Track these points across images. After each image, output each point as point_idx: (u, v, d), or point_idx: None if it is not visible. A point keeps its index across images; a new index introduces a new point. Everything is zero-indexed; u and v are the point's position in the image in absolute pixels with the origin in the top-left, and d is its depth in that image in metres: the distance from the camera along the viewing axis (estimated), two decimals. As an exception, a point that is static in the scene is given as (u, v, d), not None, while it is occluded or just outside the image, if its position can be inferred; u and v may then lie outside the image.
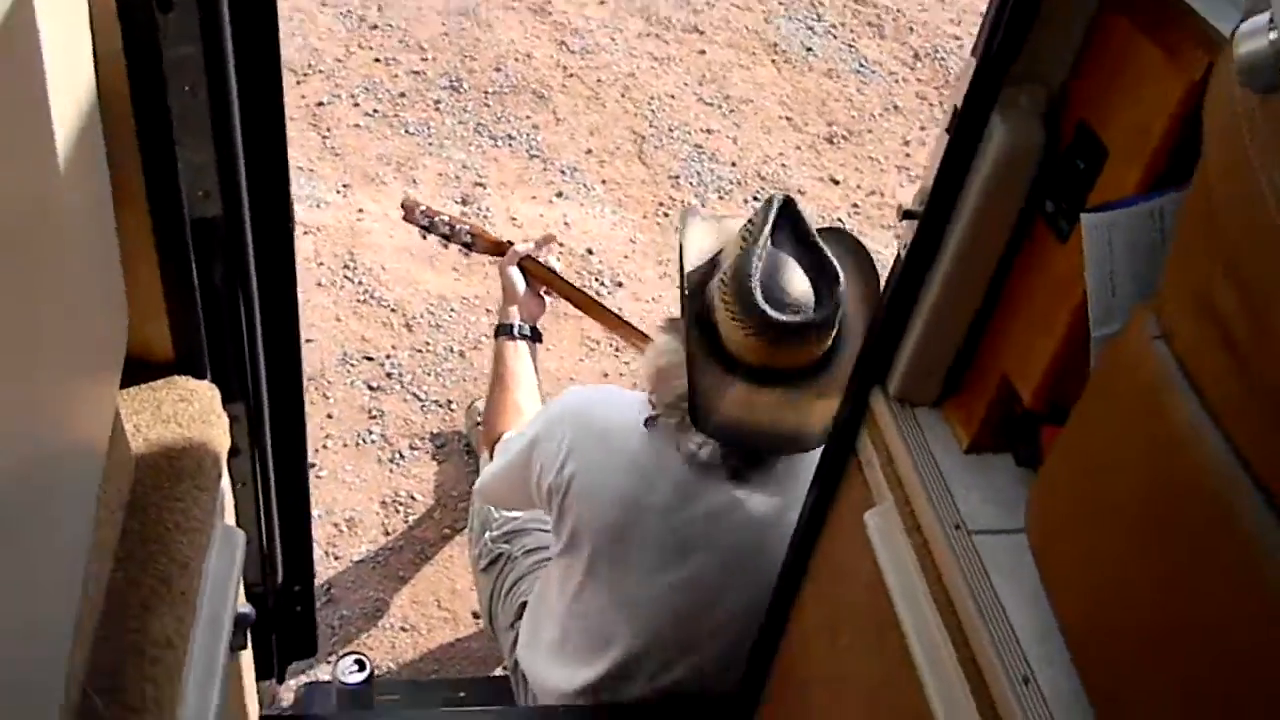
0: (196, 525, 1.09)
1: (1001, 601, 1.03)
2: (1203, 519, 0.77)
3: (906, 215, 1.15)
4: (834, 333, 1.41)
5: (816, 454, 1.43)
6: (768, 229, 1.36)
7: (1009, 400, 1.17)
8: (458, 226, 2.06)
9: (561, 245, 3.09)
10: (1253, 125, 0.70)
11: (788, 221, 1.39)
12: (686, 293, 1.43)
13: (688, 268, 1.46)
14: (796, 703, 1.47)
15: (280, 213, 1.24)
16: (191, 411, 1.16)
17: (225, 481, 1.23)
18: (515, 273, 1.95)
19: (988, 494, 1.15)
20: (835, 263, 1.39)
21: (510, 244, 2.00)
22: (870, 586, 1.23)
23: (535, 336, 1.93)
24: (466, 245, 2.07)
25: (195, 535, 1.07)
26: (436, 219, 2.07)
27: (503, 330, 1.91)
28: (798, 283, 1.38)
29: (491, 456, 1.73)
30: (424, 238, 2.15)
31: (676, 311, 1.51)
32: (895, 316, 1.21)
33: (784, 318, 1.35)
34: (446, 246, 2.11)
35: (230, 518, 1.28)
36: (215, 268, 1.18)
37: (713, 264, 1.46)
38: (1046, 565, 0.98)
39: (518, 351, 1.87)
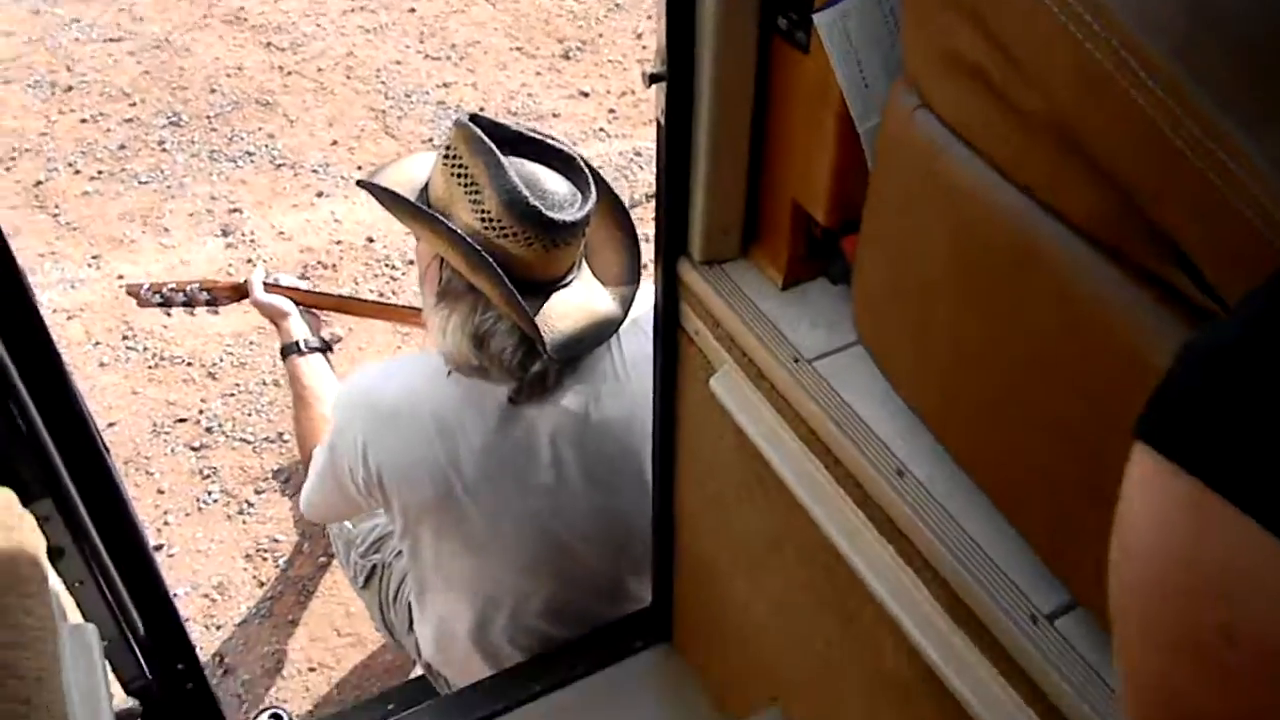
0: (38, 635, 0.99)
1: (858, 413, 1.05)
2: (1008, 258, 0.79)
3: (653, 79, 1.13)
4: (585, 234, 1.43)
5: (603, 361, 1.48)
6: (491, 145, 1.31)
7: (806, 226, 1.18)
8: (189, 289, 1.97)
9: (340, 242, 2.98)
10: None
11: (488, 132, 1.35)
12: (455, 232, 1.36)
13: (419, 206, 1.39)
14: (708, 588, 1.48)
15: (17, 300, 1.12)
16: (-12, 523, 1.06)
17: (55, 583, 1.13)
18: (270, 297, 1.86)
19: (815, 320, 1.17)
20: (566, 147, 1.36)
21: (245, 281, 1.92)
22: (738, 447, 1.24)
23: (325, 347, 1.85)
24: (209, 303, 1.98)
25: (39, 645, 0.98)
26: (165, 290, 1.98)
27: (288, 350, 1.82)
28: (555, 180, 1.37)
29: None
30: (168, 314, 2.04)
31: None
32: (676, 184, 1.19)
33: (568, 216, 1.34)
34: (193, 313, 2.01)
35: (75, 618, 1.18)
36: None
37: (428, 207, 1.39)
38: (885, 360, 0.99)
39: (310, 366, 1.79)
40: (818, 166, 1.08)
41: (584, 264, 1.46)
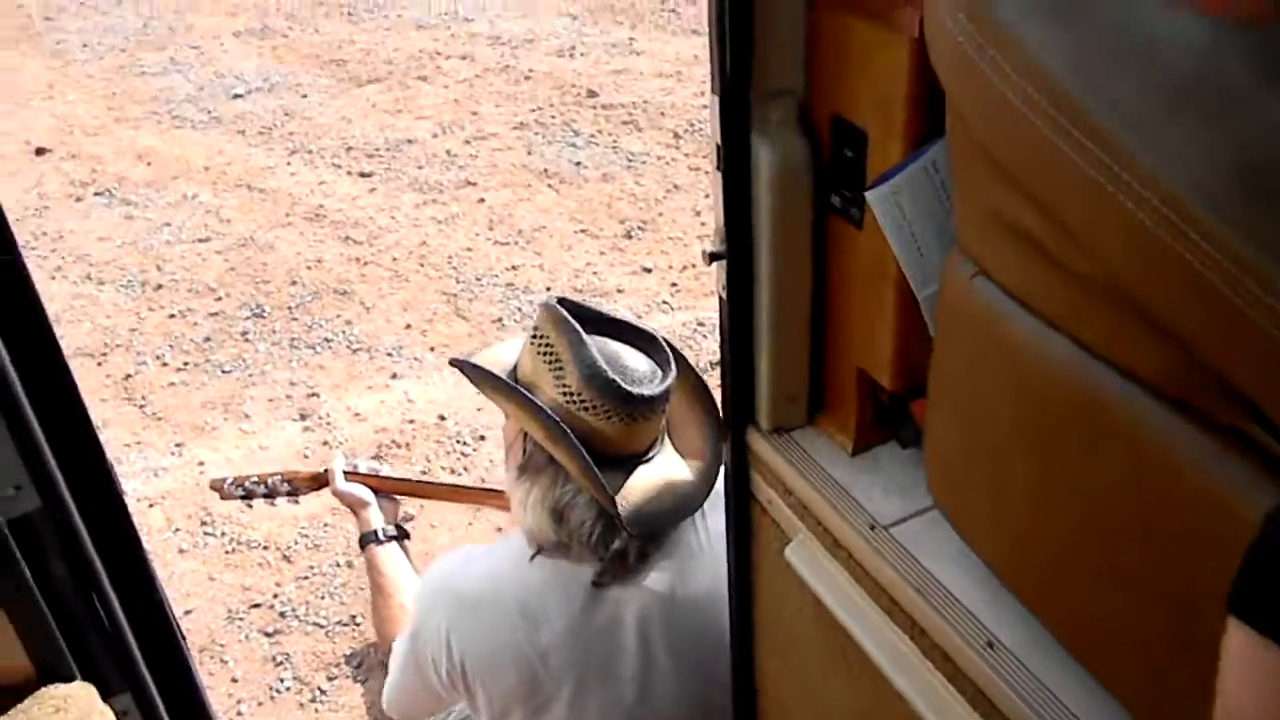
0: (114, 834, 0.98)
1: (938, 579, 1.02)
2: (1073, 414, 0.78)
3: (713, 258, 1.17)
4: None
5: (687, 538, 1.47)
6: (574, 324, 1.36)
7: (873, 392, 1.18)
8: (271, 481, 2.03)
9: (412, 421, 3.04)
10: (975, 44, 0.74)
11: (573, 313, 1.40)
12: (536, 405, 1.40)
13: (503, 379, 1.44)
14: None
15: (105, 495, 1.16)
16: (70, 718, 1.06)
17: (133, 778, 1.12)
18: (350, 485, 1.90)
19: (888, 486, 1.15)
20: (644, 325, 1.41)
21: (326, 470, 1.97)
22: (817, 619, 1.21)
23: (401, 535, 1.88)
24: (290, 493, 2.04)
25: (115, 845, 0.97)
26: (247, 484, 2.04)
27: (366, 539, 1.85)
28: (636, 358, 1.40)
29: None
30: (249, 506, 2.11)
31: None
32: (740, 355, 1.21)
33: (648, 391, 1.36)
34: (273, 504, 2.08)
35: (152, 814, 1.17)
36: (52, 564, 1.10)
37: (515, 383, 1.44)
38: (962, 523, 0.98)
39: (388, 555, 1.81)
40: (880, 335, 1.10)
41: (666, 440, 1.47)
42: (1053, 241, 0.77)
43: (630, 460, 1.40)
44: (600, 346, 1.36)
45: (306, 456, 2.93)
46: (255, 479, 2.04)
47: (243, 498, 2.05)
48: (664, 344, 1.42)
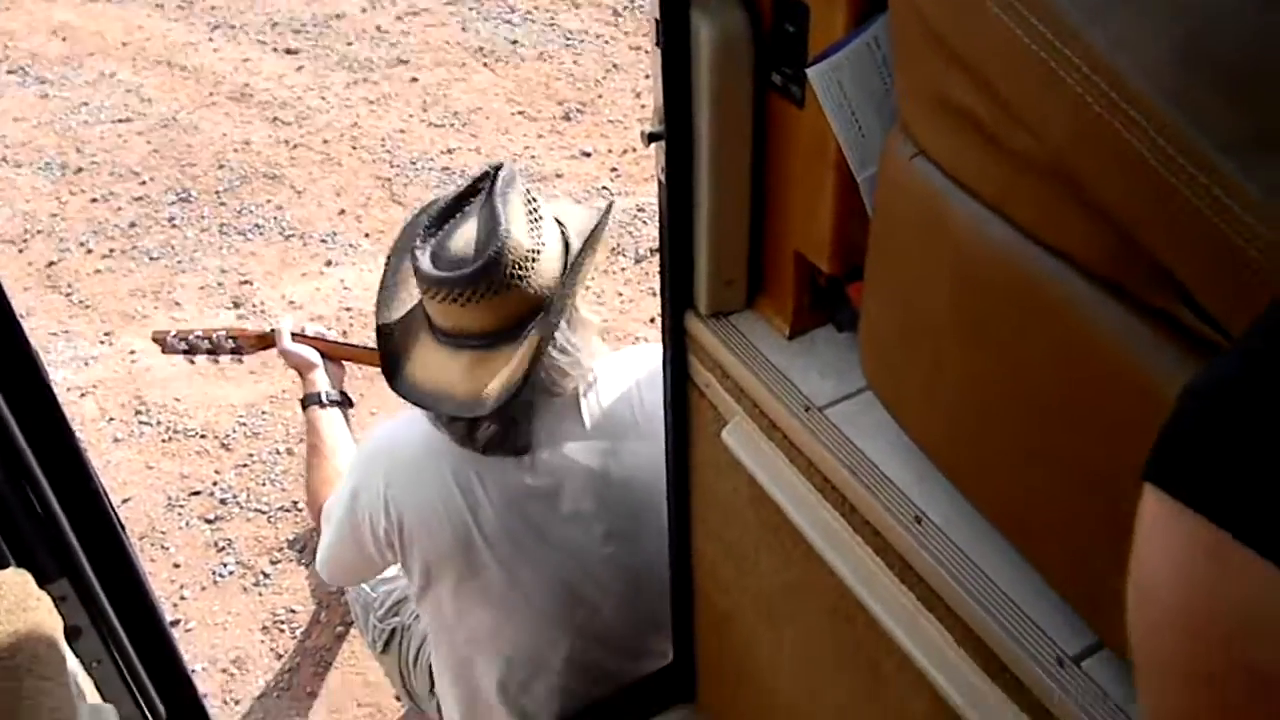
0: (58, 717, 0.99)
1: (872, 459, 1.04)
2: (1009, 297, 0.79)
3: (652, 139, 1.15)
4: (520, 288, 1.37)
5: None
6: (442, 201, 1.42)
7: (810, 276, 1.18)
8: (215, 336, 1.98)
9: (349, 309, 3.00)
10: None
11: (491, 187, 1.40)
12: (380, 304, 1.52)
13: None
14: (730, 643, 1.46)
15: (31, 382, 1.13)
16: (5, 605, 1.06)
17: (73, 663, 1.13)
18: (298, 345, 1.88)
19: (824, 369, 1.17)
20: (502, 217, 1.35)
21: (273, 330, 1.93)
22: (753, 499, 1.23)
23: (345, 401, 1.86)
24: (235, 351, 1.99)
25: (57, 728, 0.97)
26: (191, 338, 1.98)
27: (309, 400, 1.84)
28: (460, 240, 1.39)
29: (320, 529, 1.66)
30: (191, 362, 2.05)
31: None
32: (679, 239, 1.20)
33: (440, 273, 1.36)
34: (217, 361, 2.02)
35: (94, 698, 1.17)
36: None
37: None
38: (896, 405, 0.99)
39: (329, 418, 1.80)
40: (819, 217, 1.09)
41: (533, 332, 1.39)
42: (994, 120, 0.77)
43: (473, 340, 1.40)
44: (459, 224, 1.40)
45: (238, 360, 2.88)
46: (199, 334, 1.98)
47: (185, 352, 2.00)
48: (503, 233, 1.34)
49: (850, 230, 1.08)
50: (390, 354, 1.49)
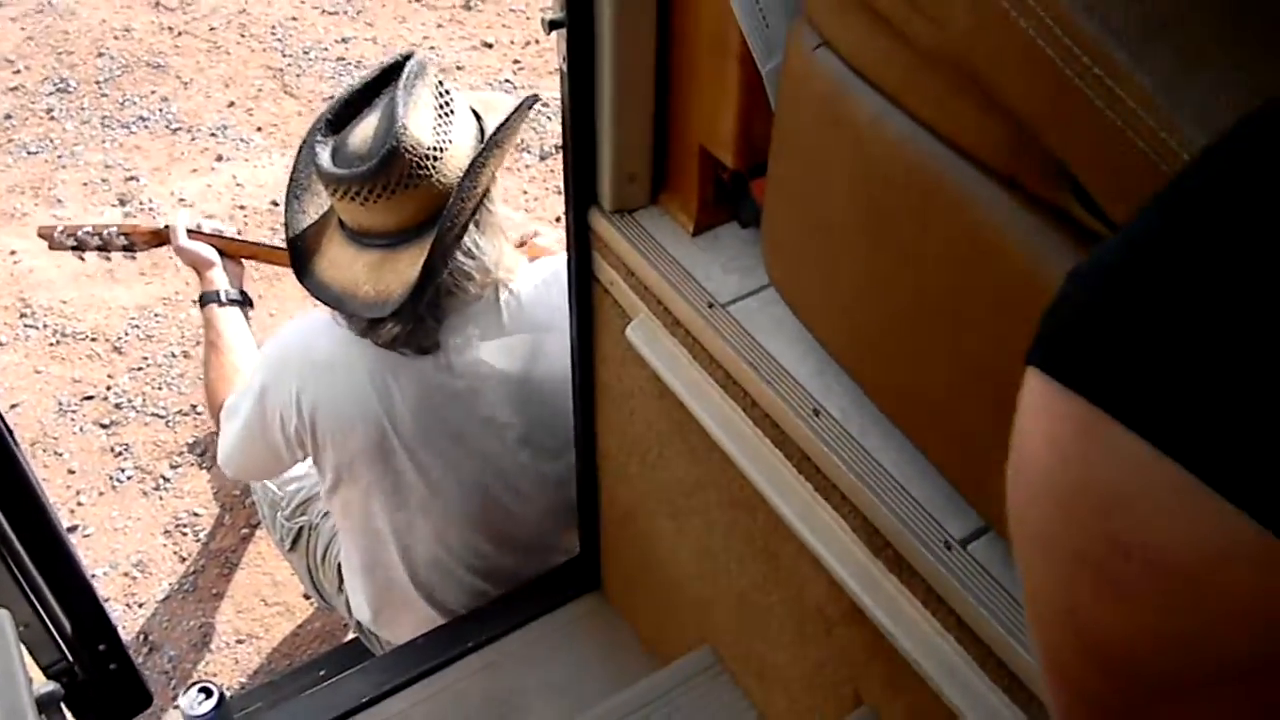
0: (-56, 625, 0.96)
1: (773, 355, 1.06)
2: (907, 192, 0.80)
3: (553, 26, 1.12)
4: (423, 187, 1.34)
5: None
6: (347, 93, 1.39)
7: (714, 171, 1.18)
8: (105, 232, 1.88)
9: (243, 207, 2.90)
10: None
11: (396, 79, 1.36)
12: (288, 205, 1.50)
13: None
14: (634, 535, 1.49)
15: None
16: (-117, 513, 1.02)
17: (-39, 571, 1.10)
18: (195, 244, 1.81)
19: (727, 265, 1.17)
20: (402, 112, 1.31)
21: (166, 227, 1.85)
22: (656, 395, 1.24)
23: (245, 300, 1.81)
24: (127, 248, 1.90)
25: (-53, 635, 0.95)
26: (80, 234, 1.88)
27: (207, 298, 1.78)
28: (359, 136, 1.36)
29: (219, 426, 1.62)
30: (81, 259, 1.95)
31: None
32: (581, 133, 1.18)
33: (338, 170, 1.33)
34: (108, 258, 1.93)
35: (-16, 605, 1.15)
36: None
37: None
38: (796, 301, 1.00)
39: (228, 316, 1.75)
40: (722, 110, 1.08)
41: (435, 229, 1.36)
42: (899, 13, 0.76)
43: (379, 239, 1.39)
44: (364, 119, 1.37)
45: (130, 257, 2.77)
46: (89, 229, 1.89)
47: (74, 248, 1.90)
48: (399, 130, 1.30)
49: (754, 124, 1.07)
50: (300, 250, 1.46)
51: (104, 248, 1.90)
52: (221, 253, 1.84)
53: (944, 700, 0.93)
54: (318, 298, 1.43)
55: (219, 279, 1.79)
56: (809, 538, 1.03)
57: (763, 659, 1.31)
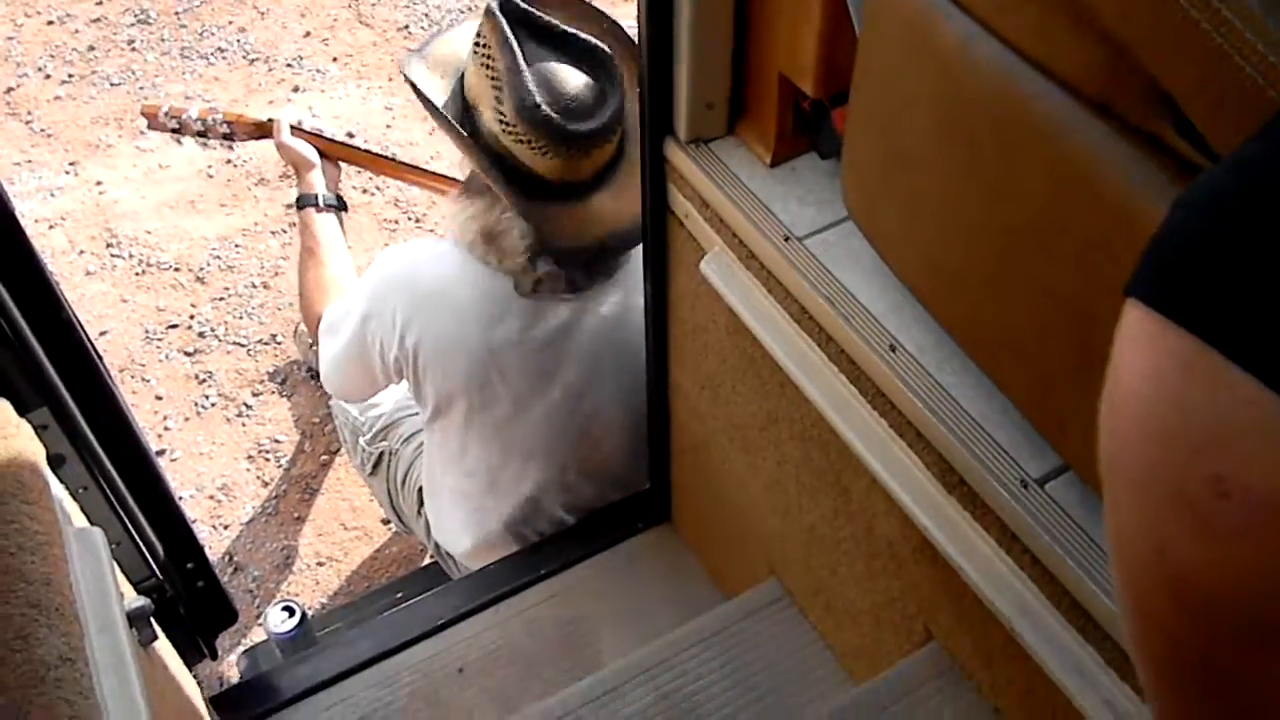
0: (43, 539, 1.01)
1: (849, 290, 1.04)
2: (994, 119, 0.78)
3: (629, -48, 1.10)
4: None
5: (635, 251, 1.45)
6: (514, 43, 1.29)
7: (794, 100, 1.15)
8: (210, 118, 1.87)
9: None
10: None
11: (520, 21, 1.32)
12: (470, 139, 1.38)
13: (440, 112, 1.40)
14: (705, 468, 1.50)
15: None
16: (-15, 432, 1.06)
17: (57, 489, 1.14)
18: (297, 140, 1.79)
19: (805, 198, 1.15)
20: (597, 43, 1.33)
21: (271, 120, 1.83)
22: (730, 329, 1.24)
23: (340, 205, 1.79)
24: (227, 136, 1.88)
25: (45, 549, 0.99)
26: (184, 117, 1.87)
27: (305, 201, 1.75)
28: (578, 83, 1.33)
29: (316, 338, 1.63)
30: (179, 143, 1.95)
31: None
32: (658, 60, 1.16)
33: (585, 126, 1.31)
34: (206, 144, 1.93)
35: (80, 523, 1.19)
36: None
37: (462, 98, 1.41)
38: (876, 234, 0.99)
39: (325, 222, 1.74)
40: (804, 36, 1.06)
41: (623, 164, 1.42)
42: (986, -67, 0.73)
43: (572, 190, 1.37)
44: (541, 72, 1.30)
45: (211, 176, 2.81)
46: (194, 113, 1.87)
47: (174, 130, 1.88)
48: (615, 63, 1.34)
49: (836, 51, 1.05)
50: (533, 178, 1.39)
51: (204, 133, 1.89)
52: (321, 154, 1.83)
53: (1016, 638, 0.93)
54: (569, 261, 1.42)
55: (317, 181, 1.77)
56: (882, 473, 1.03)
57: (831, 592, 1.31)
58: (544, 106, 1.28)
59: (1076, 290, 0.75)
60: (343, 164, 1.87)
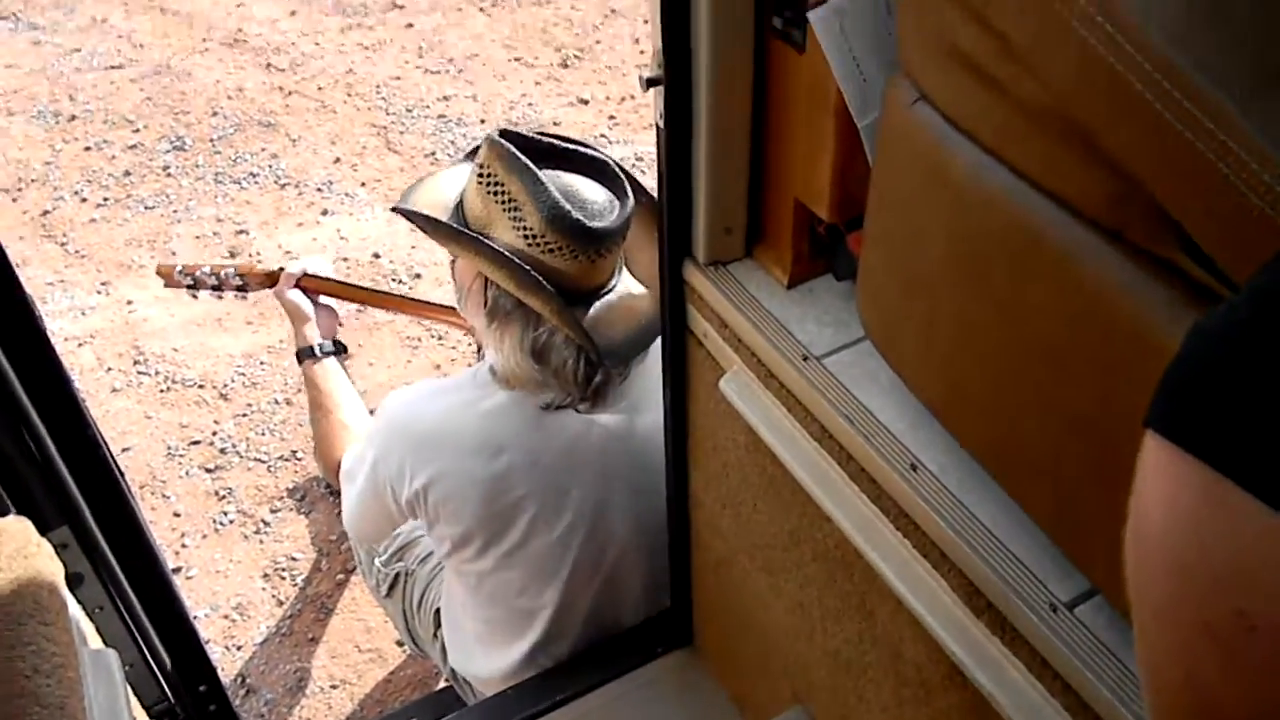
0: (60, 662, 1.00)
1: (869, 408, 1.04)
2: (1008, 245, 0.79)
3: (650, 84, 1.14)
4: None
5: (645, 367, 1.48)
6: (526, 161, 1.32)
7: (810, 225, 1.18)
8: (223, 273, 1.95)
9: (346, 259, 2.99)
10: None
11: (522, 147, 1.36)
12: (503, 254, 1.38)
13: (463, 230, 1.42)
14: (727, 590, 1.48)
15: (27, 330, 1.13)
16: (6, 552, 1.06)
17: (74, 609, 1.13)
18: (295, 294, 1.86)
19: (822, 318, 1.16)
20: (597, 153, 1.37)
21: (281, 270, 1.90)
22: (750, 448, 1.24)
23: (339, 350, 1.84)
24: (240, 288, 1.96)
25: (61, 673, 0.98)
26: (198, 274, 1.95)
27: (304, 355, 1.82)
28: (592, 190, 1.37)
29: (338, 485, 1.66)
30: (194, 297, 2.03)
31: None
32: (677, 186, 1.20)
33: (609, 224, 1.35)
34: (220, 297, 2.00)
35: (95, 643, 1.18)
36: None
37: (466, 228, 1.42)
38: (893, 354, 0.99)
39: (326, 370, 1.78)
40: (819, 164, 1.08)
41: (623, 268, 1.47)
42: (998, 65, 0.76)
43: (593, 293, 1.40)
44: (555, 182, 1.33)
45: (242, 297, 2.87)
46: (207, 269, 1.96)
47: (189, 286, 1.97)
48: (616, 169, 1.39)
49: (850, 178, 1.07)
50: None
51: (219, 287, 1.96)
52: (333, 295, 1.88)
53: (1049, 770, 0.90)
54: (615, 360, 1.42)
55: (311, 334, 1.82)
56: (907, 596, 1.01)
57: (857, 720, 1.28)
58: (573, 211, 1.31)
59: (1094, 414, 0.75)
60: (358, 305, 1.93)
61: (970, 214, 0.83)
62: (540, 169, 1.32)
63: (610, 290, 1.42)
